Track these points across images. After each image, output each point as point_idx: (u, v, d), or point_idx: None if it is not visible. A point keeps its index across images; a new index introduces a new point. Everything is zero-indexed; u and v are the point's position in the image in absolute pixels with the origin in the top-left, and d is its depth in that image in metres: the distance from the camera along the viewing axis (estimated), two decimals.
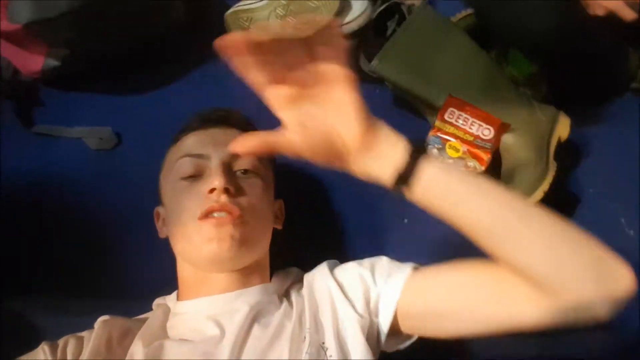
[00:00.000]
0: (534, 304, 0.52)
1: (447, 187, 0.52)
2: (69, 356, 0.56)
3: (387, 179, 0.51)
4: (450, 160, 0.83)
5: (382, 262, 0.66)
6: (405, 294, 0.61)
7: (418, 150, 0.52)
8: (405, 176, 0.51)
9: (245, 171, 0.67)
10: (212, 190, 0.62)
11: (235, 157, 0.67)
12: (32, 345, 0.58)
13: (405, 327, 0.62)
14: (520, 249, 0.51)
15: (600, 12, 0.77)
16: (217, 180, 0.62)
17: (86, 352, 0.56)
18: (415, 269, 0.64)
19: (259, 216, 0.65)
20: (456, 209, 0.52)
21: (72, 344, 0.58)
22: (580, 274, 0.49)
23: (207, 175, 0.65)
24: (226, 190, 0.62)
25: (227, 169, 0.65)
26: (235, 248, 0.60)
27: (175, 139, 0.72)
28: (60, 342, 0.58)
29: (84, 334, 0.60)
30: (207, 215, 0.61)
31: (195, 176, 0.65)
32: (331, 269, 0.67)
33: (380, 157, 0.51)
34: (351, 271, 0.66)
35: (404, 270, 0.63)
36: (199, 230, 0.61)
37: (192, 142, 0.68)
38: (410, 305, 0.61)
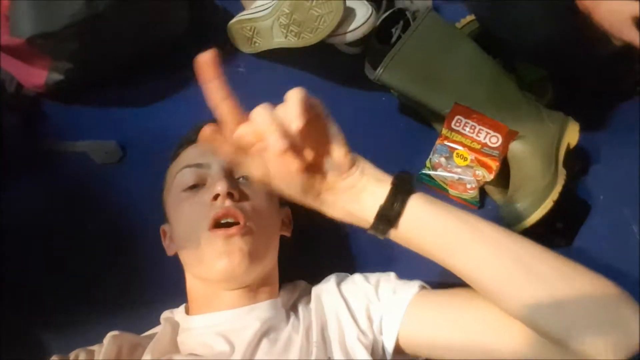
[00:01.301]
0: (541, 350, 0.50)
1: (436, 230, 0.48)
2: None
3: (368, 219, 0.48)
4: (458, 169, 0.82)
5: (389, 278, 0.66)
6: (409, 314, 0.60)
7: (405, 188, 0.48)
8: (388, 216, 0.47)
9: (247, 177, 0.66)
10: (215, 197, 0.62)
11: None
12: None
13: (408, 348, 0.61)
14: (520, 302, 0.47)
15: (617, 43, 0.76)
16: (219, 186, 0.61)
17: None
18: (423, 287, 0.63)
19: (265, 222, 0.65)
20: (445, 255, 0.49)
21: (83, 357, 0.57)
22: (591, 323, 0.46)
23: (209, 183, 0.64)
24: (230, 195, 0.62)
25: (229, 175, 0.65)
26: (246, 262, 0.60)
27: (174, 155, 0.71)
28: (71, 355, 0.58)
29: (95, 347, 0.59)
30: (215, 224, 0.60)
31: (197, 186, 0.65)
32: (338, 284, 0.66)
33: (362, 195, 0.48)
34: (358, 287, 0.65)
35: (410, 289, 0.62)
36: (208, 243, 0.60)
37: (191, 153, 0.68)
38: (413, 328, 0.60)
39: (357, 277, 0.67)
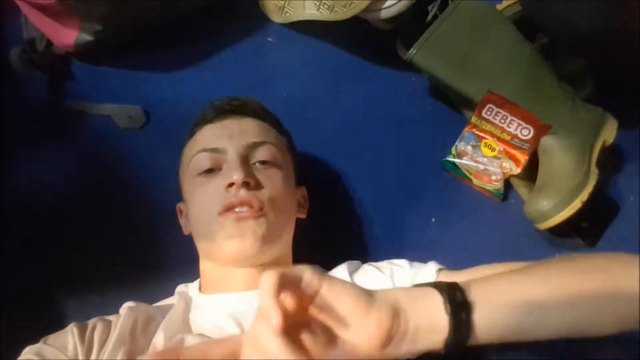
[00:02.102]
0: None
1: (504, 324, 0.44)
2: (96, 340, 0.57)
3: (435, 346, 0.43)
4: (485, 159, 0.80)
5: (403, 266, 0.65)
6: None
7: (457, 300, 0.43)
8: (456, 345, 0.43)
9: (264, 162, 0.65)
10: (230, 185, 0.61)
11: (252, 148, 0.65)
12: (56, 327, 0.59)
13: None
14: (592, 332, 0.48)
15: None
16: (235, 174, 0.61)
17: (113, 337, 0.57)
18: (440, 270, 0.62)
19: (280, 208, 0.64)
20: (521, 336, 0.46)
21: (100, 327, 0.58)
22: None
23: (225, 169, 0.63)
24: (245, 184, 0.61)
25: (245, 161, 0.64)
26: (258, 244, 0.60)
27: (190, 132, 0.70)
28: (89, 324, 0.59)
29: (112, 318, 0.61)
30: (227, 210, 0.60)
31: (213, 170, 0.64)
32: (351, 273, 0.66)
33: (419, 337, 0.42)
34: (369, 276, 0.65)
35: (428, 274, 0.61)
36: (219, 227, 0.60)
37: (207, 135, 0.67)
38: None
39: (369, 268, 0.66)
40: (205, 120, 0.69)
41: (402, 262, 0.66)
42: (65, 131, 0.84)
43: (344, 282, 0.42)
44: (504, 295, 0.45)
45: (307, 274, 0.40)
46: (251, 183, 0.61)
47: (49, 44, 0.86)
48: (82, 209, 0.80)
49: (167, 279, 0.70)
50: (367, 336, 0.40)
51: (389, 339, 0.41)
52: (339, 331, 0.41)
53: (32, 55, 0.84)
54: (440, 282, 0.46)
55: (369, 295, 0.41)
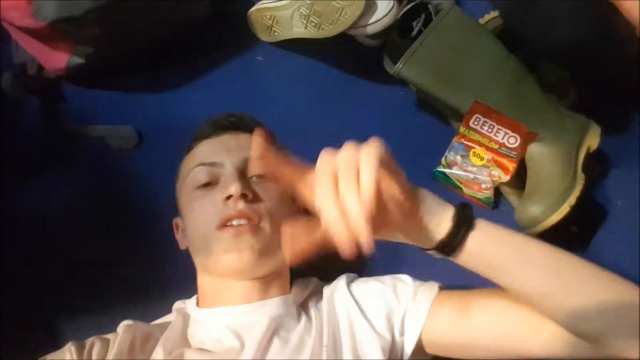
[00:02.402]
0: (568, 347, 0.53)
1: (491, 256, 0.51)
2: (94, 357, 0.57)
3: (426, 246, 0.51)
4: (474, 168, 0.81)
5: (405, 280, 0.66)
6: (432, 316, 0.61)
7: (464, 219, 0.50)
8: (449, 247, 0.50)
9: (261, 176, 0.66)
10: (228, 198, 0.61)
11: (249, 162, 0.66)
12: (53, 347, 0.59)
13: (428, 348, 0.62)
14: (563, 311, 0.51)
15: None
16: (233, 187, 0.61)
17: (110, 355, 0.57)
18: (441, 288, 0.64)
19: (277, 222, 0.64)
20: (501, 275, 0.52)
21: (98, 346, 0.58)
22: (628, 329, 0.49)
23: (222, 183, 0.64)
24: (243, 197, 0.61)
25: (242, 175, 0.64)
26: (256, 258, 0.60)
27: (188, 148, 0.71)
28: (87, 342, 0.59)
29: (110, 336, 0.60)
30: (225, 223, 0.61)
31: (210, 184, 0.65)
32: (349, 284, 0.66)
33: (423, 227, 0.50)
34: (371, 290, 0.65)
35: (431, 289, 0.63)
36: (217, 241, 0.60)
37: (204, 150, 0.68)
38: (437, 330, 0.61)
39: (370, 280, 0.67)
40: (202, 136, 0.70)
41: (405, 277, 0.67)
42: (58, 154, 0.85)
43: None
44: (502, 235, 0.52)
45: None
46: (249, 195, 0.62)
47: (41, 68, 0.88)
48: (78, 229, 0.80)
49: (164, 296, 0.70)
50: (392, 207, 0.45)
51: (410, 215, 0.48)
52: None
53: (24, 79, 0.86)
54: (458, 203, 0.51)
55: (407, 181, 0.47)
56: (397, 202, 0.46)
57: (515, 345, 0.56)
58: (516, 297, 0.54)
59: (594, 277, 0.52)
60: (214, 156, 0.66)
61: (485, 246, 0.51)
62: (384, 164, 0.42)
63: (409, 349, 0.61)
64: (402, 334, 0.61)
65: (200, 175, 0.65)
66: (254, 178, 0.66)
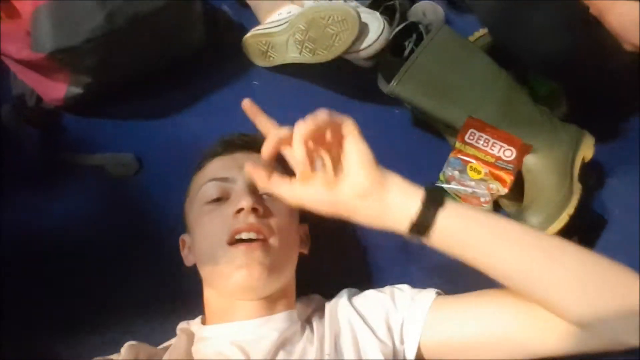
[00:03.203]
0: (564, 337, 0.52)
1: (465, 235, 0.52)
2: None
3: (400, 229, 0.52)
4: (472, 183, 0.82)
5: (403, 288, 0.67)
6: (431, 319, 0.61)
7: (434, 198, 0.51)
8: (420, 227, 0.51)
9: (271, 195, 0.67)
10: (239, 211, 0.62)
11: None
12: None
13: (429, 355, 0.62)
14: (547, 290, 0.51)
15: (628, 47, 0.77)
16: (244, 201, 0.62)
17: None
18: (439, 294, 0.64)
19: (286, 239, 0.65)
20: (476, 255, 0.52)
21: None
22: (611, 305, 0.49)
23: (233, 197, 0.65)
24: (254, 210, 0.62)
25: (254, 190, 0.65)
26: (265, 275, 0.60)
27: (199, 165, 0.72)
28: None
29: (113, 357, 0.60)
30: (235, 236, 0.61)
31: (220, 200, 0.65)
32: (350, 297, 0.67)
33: (392, 208, 0.51)
34: (371, 299, 0.66)
35: (428, 295, 0.63)
36: (227, 257, 0.61)
37: (216, 166, 0.69)
38: (436, 333, 0.60)
39: (369, 291, 0.68)
40: (215, 153, 0.71)
41: (404, 286, 0.67)
42: (58, 183, 0.85)
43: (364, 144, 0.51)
44: (475, 214, 0.52)
45: (347, 123, 0.51)
46: (260, 210, 0.62)
47: (39, 99, 0.88)
48: (80, 256, 0.80)
49: (168, 318, 0.70)
50: (353, 182, 0.51)
51: (365, 195, 0.51)
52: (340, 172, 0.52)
53: (23, 111, 0.86)
54: (428, 185, 0.54)
55: (375, 161, 0.52)
56: (361, 165, 0.50)
57: (515, 342, 0.56)
58: (498, 279, 0.53)
59: (576, 254, 0.51)
60: (226, 172, 0.67)
61: (458, 225, 0.51)
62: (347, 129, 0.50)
63: (410, 355, 0.60)
64: (402, 342, 0.61)
65: (212, 190, 0.66)
66: (264, 196, 0.66)
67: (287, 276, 0.67)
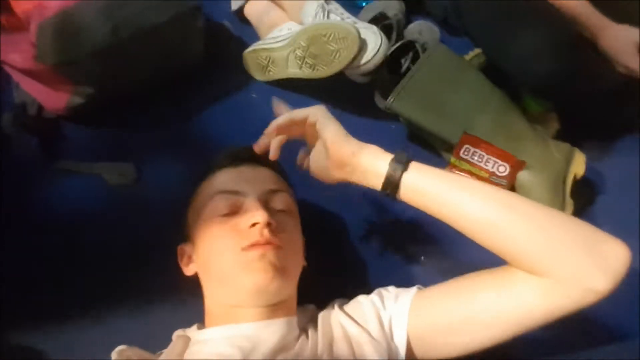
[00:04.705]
0: (536, 292, 0.54)
1: (429, 189, 0.58)
2: None
3: (378, 188, 0.60)
4: None
5: (389, 289, 0.68)
6: (414, 308, 0.62)
7: (400, 160, 0.59)
8: (390, 184, 0.59)
9: (280, 210, 0.68)
10: (253, 225, 0.62)
11: (270, 195, 0.68)
12: None
13: (419, 347, 0.62)
14: (508, 236, 0.55)
15: (621, 70, 0.80)
16: (259, 216, 0.62)
17: None
18: (420, 288, 0.66)
19: (295, 251, 0.67)
20: (441, 207, 0.58)
21: None
22: (571, 249, 0.53)
23: (244, 211, 0.65)
24: (268, 225, 0.63)
25: (266, 204, 0.66)
26: (278, 279, 0.61)
27: (204, 175, 0.72)
28: None
29: None
30: (250, 247, 0.61)
31: (231, 213, 0.65)
32: (341, 305, 0.68)
33: (369, 171, 0.61)
34: (360, 301, 0.67)
35: (410, 290, 0.65)
36: (241, 261, 0.61)
37: (225, 178, 0.69)
38: (421, 319, 0.62)
39: (359, 296, 0.69)
40: (220, 165, 0.71)
41: (389, 287, 0.69)
42: (58, 192, 0.85)
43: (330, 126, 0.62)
44: (440, 173, 0.59)
45: (311, 115, 0.63)
46: (273, 224, 0.63)
47: (41, 108, 0.89)
48: (78, 264, 0.81)
49: (164, 327, 0.69)
50: (331, 157, 0.62)
51: (343, 163, 0.62)
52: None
53: (25, 119, 0.87)
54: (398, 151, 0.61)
55: (345, 135, 0.62)
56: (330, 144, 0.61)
57: (494, 311, 0.57)
58: (466, 233, 0.58)
59: (535, 204, 0.56)
60: (236, 185, 0.67)
61: (423, 181, 0.58)
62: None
63: (401, 349, 0.61)
64: (392, 338, 0.62)
65: (222, 203, 0.66)
66: (275, 210, 0.67)
67: (294, 284, 0.68)
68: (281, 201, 0.68)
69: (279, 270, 0.61)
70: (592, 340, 0.76)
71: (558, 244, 0.53)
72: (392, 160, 0.59)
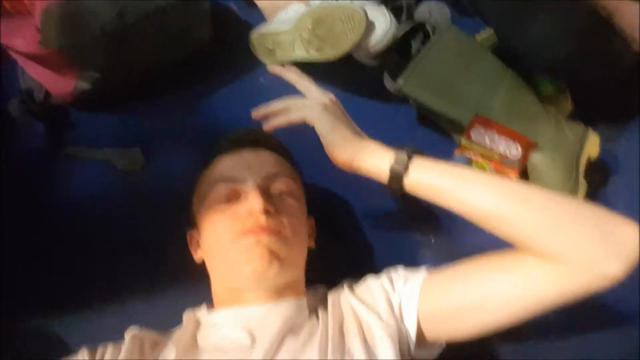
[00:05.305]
0: (548, 276, 0.53)
1: (434, 184, 0.59)
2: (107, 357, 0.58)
3: (384, 181, 0.61)
4: None
5: (398, 270, 0.68)
6: (424, 292, 0.62)
7: (401, 158, 0.60)
8: (395, 181, 0.60)
9: (281, 193, 0.67)
10: (251, 212, 0.62)
11: (270, 179, 0.67)
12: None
13: (429, 330, 0.62)
14: (517, 226, 0.55)
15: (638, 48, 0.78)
16: (256, 203, 0.62)
17: (120, 357, 0.58)
18: (430, 270, 0.65)
19: (297, 236, 0.66)
20: (448, 200, 0.58)
21: (110, 351, 0.59)
22: (582, 235, 0.52)
23: (244, 197, 0.65)
24: (266, 212, 0.62)
25: (264, 191, 0.65)
26: (276, 264, 0.61)
27: (207, 162, 0.72)
28: (100, 348, 0.60)
29: (121, 343, 0.61)
30: (246, 234, 0.62)
31: (231, 199, 0.65)
32: (350, 286, 0.68)
33: (370, 173, 0.62)
34: (370, 283, 0.67)
35: (419, 272, 0.65)
36: (239, 247, 0.61)
37: (225, 165, 0.69)
38: (431, 303, 0.61)
39: (368, 277, 0.69)
40: (222, 151, 0.71)
41: (398, 267, 0.69)
42: (65, 178, 0.85)
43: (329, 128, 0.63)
44: (440, 166, 0.60)
45: (307, 119, 0.64)
46: (271, 211, 0.63)
47: (47, 94, 0.89)
48: (85, 249, 0.81)
49: (173, 310, 0.70)
50: (332, 158, 0.64)
51: (345, 163, 0.63)
52: None
53: (31, 105, 0.86)
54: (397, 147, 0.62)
55: (342, 139, 0.63)
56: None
57: (504, 295, 0.56)
58: (477, 222, 0.58)
59: (542, 191, 0.56)
60: (236, 172, 0.67)
61: (428, 179, 0.59)
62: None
63: (412, 334, 0.61)
64: (402, 320, 0.62)
65: (222, 190, 0.66)
66: (274, 195, 0.67)
67: (298, 269, 0.68)
68: (282, 184, 0.68)
69: (277, 256, 0.61)
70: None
71: (568, 230, 0.52)
72: (394, 161, 0.60)
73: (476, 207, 0.56)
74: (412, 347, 0.61)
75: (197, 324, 0.64)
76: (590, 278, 0.52)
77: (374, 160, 0.61)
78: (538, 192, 0.56)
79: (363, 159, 0.62)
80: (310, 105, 0.64)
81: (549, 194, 0.56)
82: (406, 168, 0.59)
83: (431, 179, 0.59)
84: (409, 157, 0.60)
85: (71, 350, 0.62)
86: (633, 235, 0.51)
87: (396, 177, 0.59)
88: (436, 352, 0.64)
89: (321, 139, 0.63)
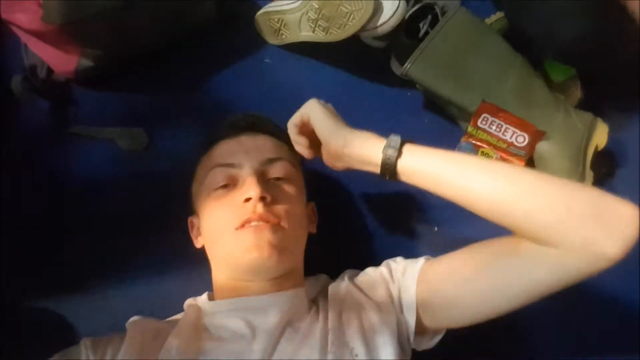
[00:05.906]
0: (546, 262, 0.53)
1: (427, 169, 0.58)
2: (109, 354, 0.58)
3: (377, 172, 0.60)
4: None
5: (397, 260, 0.68)
6: (422, 282, 0.62)
7: (392, 145, 0.59)
8: (387, 169, 0.59)
9: (279, 178, 0.67)
10: (247, 200, 0.62)
11: (268, 164, 0.66)
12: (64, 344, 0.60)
13: (429, 319, 0.62)
14: (513, 210, 0.53)
15: None
16: (252, 190, 0.62)
17: (122, 349, 0.58)
18: (428, 259, 0.65)
19: (295, 222, 0.66)
20: (442, 187, 0.57)
21: (112, 342, 0.59)
22: (579, 218, 0.50)
23: (241, 183, 0.65)
24: (262, 199, 0.62)
25: (261, 177, 0.65)
26: (275, 256, 0.61)
27: (205, 147, 0.71)
28: (102, 338, 0.60)
29: (123, 334, 0.61)
30: (244, 225, 0.61)
31: (229, 185, 0.65)
32: (351, 277, 0.68)
33: (365, 159, 0.61)
34: (370, 275, 0.67)
35: (418, 261, 0.65)
36: (237, 239, 0.61)
37: (223, 151, 0.68)
38: (429, 292, 0.61)
39: (368, 269, 0.69)
40: (220, 136, 0.71)
41: (398, 258, 0.69)
42: (68, 156, 0.85)
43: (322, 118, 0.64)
44: (433, 152, 0.59)
45: (304, 115, 0.65)
46: (267, 198, 0.63)
47: (50, 71, 0.88)
48: (89, 229, 0.81)
49: (175, 295, 0.70)
50: (325, 149, 0.65)
51: (336, 157, 0.63)
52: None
53: (34, 82, 0.86)
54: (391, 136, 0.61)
55: (334, 128, 0.63)
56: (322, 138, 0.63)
57: (504, 282, 0.56)
58: (473, 209, 0.57)
59: (537, 174, 0.55)
60: (232, 157, 0.67)
61: (421, 164, 0.58)
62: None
63: (411, 324, 0.61)
64: (401, 310, 0.62)
65: (219, 176, 0.66)
66: (273, 180, 0.66)
67: (298, 256, 0.68)
68: (280, 169, 0.67)
69: (275, 246, 0.61)
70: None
71: (565, 214, 0.51)
72: (385, 146, 0.59)
73: (472, 192, 0.55)
74: (412, 337, 0.61)
75: (199, 314, 0.64)
76: (587, 258, 0.51)
77: (366, 145, 0.61)
78: (534, 175, 0.55)
79: (356, 145, 0.61)
80: (307, 103, 0.65)
81: (542, 174, 0.55)
82: (399, 152, 0.58)
83: (425, 164, 0.58)
84: (401, 142, 0.59)
85: (75, 333, 0.63)
86: (630, 215, 0.50)
87: (389, 161, 0.58)
88: (436, 340, 0.65)
89: (315, 129, 0.63)
